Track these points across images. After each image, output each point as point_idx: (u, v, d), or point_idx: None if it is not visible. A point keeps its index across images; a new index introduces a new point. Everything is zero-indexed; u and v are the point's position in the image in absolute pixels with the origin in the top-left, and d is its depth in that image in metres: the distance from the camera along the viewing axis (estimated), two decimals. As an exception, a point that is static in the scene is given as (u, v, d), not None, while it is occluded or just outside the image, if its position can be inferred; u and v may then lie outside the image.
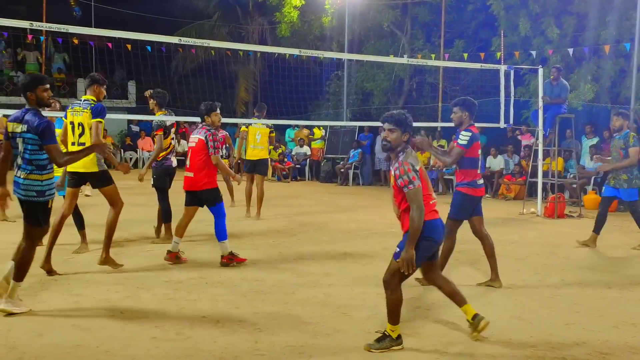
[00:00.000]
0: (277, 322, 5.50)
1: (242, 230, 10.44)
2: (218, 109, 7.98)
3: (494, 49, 17.91)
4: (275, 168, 20.82)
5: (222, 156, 13.33)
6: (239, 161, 13.72)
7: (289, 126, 22.51)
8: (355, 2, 21.08)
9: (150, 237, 9.44)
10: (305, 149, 21.68)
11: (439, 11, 20.54)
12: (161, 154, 9.20)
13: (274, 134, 12.32)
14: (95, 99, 7.51)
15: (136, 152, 23.32)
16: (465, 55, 18.66)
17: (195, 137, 7.86)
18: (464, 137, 6.72)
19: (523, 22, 17.50)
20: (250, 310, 5.82)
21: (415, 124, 14.57)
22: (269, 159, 14.25)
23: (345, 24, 21.14)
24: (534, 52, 17.14)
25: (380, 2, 21.23)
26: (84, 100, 7.49)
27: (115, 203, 7.36)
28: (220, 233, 7.68)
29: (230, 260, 7.65)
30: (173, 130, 9.43)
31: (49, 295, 6.19)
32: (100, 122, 7.32)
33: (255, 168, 11.86)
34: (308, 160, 21.60)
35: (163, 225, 9.37)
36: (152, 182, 9.38)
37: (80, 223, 8.36)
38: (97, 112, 7.32)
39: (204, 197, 7.75)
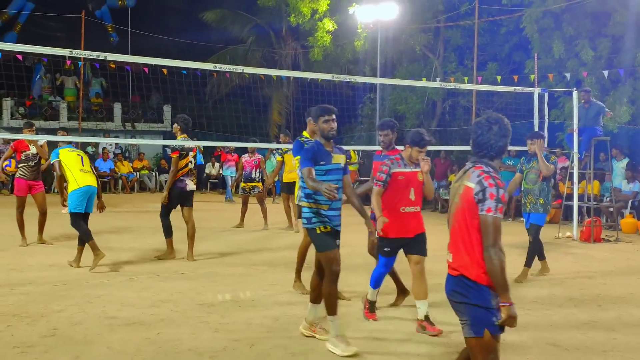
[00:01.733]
0: (311, 347, 5.50)
1: (278, 255, 10.49)
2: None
3: (527, 71, 17.81)
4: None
5: (255, 179, 13.60)
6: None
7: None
8: (388, 26, 21.17)
9: (182, 258, 9.53)
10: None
11: (471, 34, 20.53)
12: (177, 176, 9.50)
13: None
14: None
15: (170, 174, 23.66)
16: (499, 78, 18.59)
17: None
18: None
19: (557, 45, 17.40)
20: (284, 335, 5.84)
21: (447, 147, 14.63)
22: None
23: (377, 47, 21.22)
24: (568, 75, 16.99)
25: (413, 25, 21.29)
26: None
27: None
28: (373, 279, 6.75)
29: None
30: (192, 154, 9.67)
31: (85, 317, 6.28)
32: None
33: (292, 189, 12.19)
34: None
35: (166, 240, 9.68)
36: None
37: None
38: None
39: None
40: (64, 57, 19.62)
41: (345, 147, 19.68)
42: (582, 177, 13.55)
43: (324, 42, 23.34)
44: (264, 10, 26.92)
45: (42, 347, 5.35)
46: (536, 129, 12.37)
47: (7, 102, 25.16)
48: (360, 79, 18.87)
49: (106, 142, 23.41)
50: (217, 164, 23.33)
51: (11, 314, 6.32)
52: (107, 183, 22.25)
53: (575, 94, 12.95)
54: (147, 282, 7.91)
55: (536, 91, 12.66)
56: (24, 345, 5.38)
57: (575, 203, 12.87)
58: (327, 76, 13.60)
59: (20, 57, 18.52)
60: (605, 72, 16.57)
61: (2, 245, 10.29)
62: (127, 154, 24.98)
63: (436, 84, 17.25)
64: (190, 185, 9.59)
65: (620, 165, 15.35)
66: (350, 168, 22.35)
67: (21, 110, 25.84)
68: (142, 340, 5.59)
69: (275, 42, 28.32)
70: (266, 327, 6.08)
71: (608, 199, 15.04)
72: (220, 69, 11.98)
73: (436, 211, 18.28)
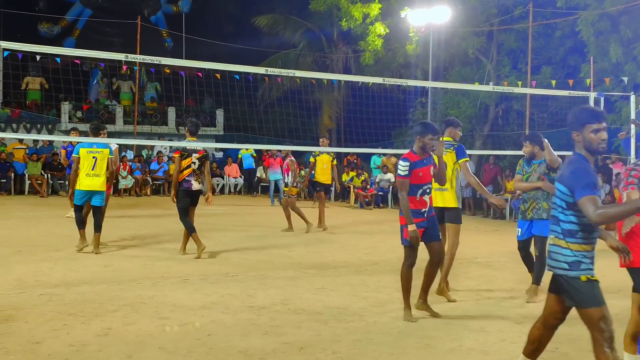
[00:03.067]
0: (359, 352, 5.50)
1: (328, 259, 10.52)
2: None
3: (583, 75, 17.47)
4: (357, 195, 20.86)
5: (286, 184, 13.72)
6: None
7: (374, 153, 22.51)
8: (440, 29, 21.01)
9: (237, 266, 9.64)
10: (389, 176, 21.65)
11: (525, 37, 20.23)
12: (181, 176, 9.86)
13: (335, 162, 14.27)
14: (453, 140, 7.88)
15: (223, 178, 23.85)
16: (553, 82, 18.26)
17: None
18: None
19: (614, 48, 17.01)
20: (333, 339, 5.85)
21: (501, 152, 14.29)
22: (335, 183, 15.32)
23: (429, 51, 21.08)
24: (625, 79, 16.60)
25: (465, 29, 21.08)
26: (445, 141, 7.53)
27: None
28: None
29: None
30: (196, 155, 9.94)
31: (138, 317, 6.41)
32: (467, 160, 7.89)
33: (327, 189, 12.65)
34: (391, 187, 21.55)
35: (191, 237, 9.96)
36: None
37: None
38: (462, 152, 7.80)
39: None
40: (120, 61, 20.19)
41: (398, 151, 19.78)
42: None
43: (375, 46, 23.29)
44: (316, 14, 27.00)
45: (96, 345, 5.48)
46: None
47: (66, 106, 25.81)
48: (412, 83, 18.76)
49: (161, 144, 23.82)
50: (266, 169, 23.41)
51: (67, 312, 6.49)
52: (161, 186, 22.63)
53: (632, 97, 12.64)
54: (199, 284, 8.03)
55: (592, 95, 12.41)
56: (79, 343, 5.52)
57: (633, 210, 12.51)
58: (378, 80, 13.57)
59: (78, 62, 19.05)
60: (664, 75, 16.15)
61: (59, 246, 10.57)
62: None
63: (489, 87, 17.08)
64: (195, 185, 9.97)
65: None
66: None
67: (79, 114, 26.48)
68: (193, 341, 5.67)
69: (326, 47, 28.41)
70: (315, 330, 6.11)
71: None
72: (272, 73, 12.13)
73: (488, 217, 18.04)
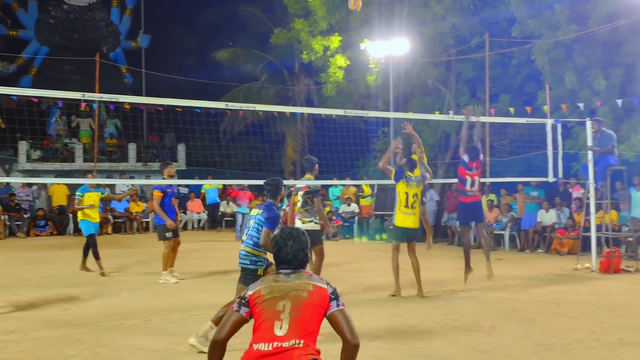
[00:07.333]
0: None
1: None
2: None
3: (540, 102, 17.76)
4: (322, 227, 20.75)
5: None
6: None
7: (332, 184, 22.50)
8: (399, 60, 21.25)
9: (201, 304, 9.48)
10: (354, 207, 21.66)
11: (483, 67, 20.54)
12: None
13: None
14: None
15: (185, 213, 23.56)
16: (512, 109, 18.54)
17: None
18: None
19: (569, 75, 17.36)
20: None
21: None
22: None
23: (390, 82, 21.28)
24: (581, 105, 16.94)
25: (424, 60, 21.35)
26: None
27: None
28: None
29: None
30: (300, 193, 9.73)
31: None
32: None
33: None
34: (356, 217, 21.55)
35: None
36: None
37: None
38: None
39: None
40: (78, 99, 19.95)
41: (360, 182, 19.89)
42: (598, 207, 13.38)
43: (336, 77, 23.46)
44: (277, 48, 27.18)
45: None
46: (550, 159, 12.32)
47: (23, 145, 25.41)
48: (373, 114, 18.91)
49: (122, 183, 23.51)
50: (230, 202, 23.17)
51: (24, 360, 6.28)
52: (123, 224, 22.28)
53: (588, 123, 12.88)
54: (161, 324, 7.86)
55: (549, 122, 12.61)
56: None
57: (593, 234, 12.68)
58: (340, 111, 13.58)
59: (35, 100, 18.74)
60: (619, 101, 16.49)
61: (16, 290, 10.28)
62: (142, 194, 25.06)
63: (449, 116, 17.21)
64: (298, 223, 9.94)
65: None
66: (364, 202, 22.34)
67: (36, 153, 26.08)
68: None
69: (288, 79, 28.56)
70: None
71: (627, 228, 14.84)
72: (233, 107, 12.06)
73: (453, 244, 18.13)
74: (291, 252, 3.94)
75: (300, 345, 3.66)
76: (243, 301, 3.88)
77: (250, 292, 3.87)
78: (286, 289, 3.81)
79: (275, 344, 3.64)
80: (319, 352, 3.76)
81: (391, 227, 10.36)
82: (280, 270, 3.95)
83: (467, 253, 10.69)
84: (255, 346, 3.71)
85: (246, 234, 7.06)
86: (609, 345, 6.78)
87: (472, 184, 10.51)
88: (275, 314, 3.72)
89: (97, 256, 12.12)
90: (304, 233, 4.07)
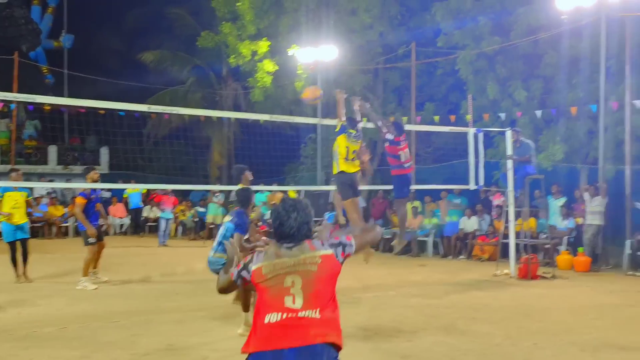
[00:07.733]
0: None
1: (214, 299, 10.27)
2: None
3: (463, 111, 18.16)
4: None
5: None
6: None
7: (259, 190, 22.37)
8: (328, 67, 21.34)
9: (120, 310, 9.23)
10: (280, 213, 21.60)
11: (409, 75, 20.87)
12: None
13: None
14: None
15: (107, 218, 22.95)
16: (436, 118, 18.89)
17: None
18: None
19: (491, 86, 17.84)
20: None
21: (386, 187, 14.72)
22: None
23: (318, 88, 21.34)
24: (502, 115, 17.42)
25: (352, 67, 21.54)
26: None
27: None
28: None
29: None
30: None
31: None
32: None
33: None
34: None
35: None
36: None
37: None
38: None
39: None
40: (-5, 99, 19.20)
41: (287, 187, 19.80)
42: (518, 214, 13.73)
43: (264, 83, 23.34)
44: (204, 51, 26.85)
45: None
46: (471, 168, 12.58)
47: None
48: (300, 120, 18.88)
49: (41, 186, 22.75)
50: (154, 207, 22.70)
51: None
52: (41, 228, 21.54)
53: (508, 133, 13.22)
54: (78, 331, 7.60)
55: (470, 131, 12.88)
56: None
57: (512, 240, 13.00)
58: (266, 117, 13.58)
59: (-51, 99, 17.99)
60: (538, 112, 17.05)
61: None
62: (62, 198, 24.31)
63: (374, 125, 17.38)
64: None
65: (557, 204, 15.63)
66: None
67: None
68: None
69: (215, 83, 28.27)
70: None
71: (544, 236, 15.29)
72: (155, 110, 11.85)
73: (378, 251, 18.28)
74: (295, 225, 3.68)
75: (317, 315, 3.51)
76: (245, 271, 3.71)
77: (253, 267, 3.66)
78: (291, 264, 3.60)
79: (288, 314, 3.49)
80: (338, 327, 3.58)
81: (333, 179, 10.10)
82: (282, 244, 3.71)
83: (404, 223, 11.15)
84: (266, 317, 3.52)
85: (216, 241, 7.71)
86: (524, 349, 6.94)
87: (406, 156, 10.51)
88: (283, 290, 3.54)
89: (15, 262, 11.51)
90: (308, 205, 3.82)
